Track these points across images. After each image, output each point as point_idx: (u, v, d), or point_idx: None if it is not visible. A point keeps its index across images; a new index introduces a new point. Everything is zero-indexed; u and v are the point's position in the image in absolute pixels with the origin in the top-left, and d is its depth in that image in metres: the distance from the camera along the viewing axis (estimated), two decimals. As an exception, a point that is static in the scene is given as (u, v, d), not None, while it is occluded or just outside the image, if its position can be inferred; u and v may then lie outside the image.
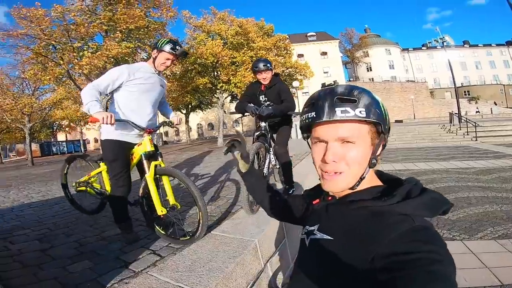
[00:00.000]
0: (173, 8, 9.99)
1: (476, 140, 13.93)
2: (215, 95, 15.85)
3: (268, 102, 2.85)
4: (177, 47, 2.07)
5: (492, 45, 52.20)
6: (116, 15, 8.00)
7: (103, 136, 2.09)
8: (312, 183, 3.32)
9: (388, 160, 9.75)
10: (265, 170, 2.69)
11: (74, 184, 2.81)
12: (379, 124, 0.62)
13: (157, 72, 2.17)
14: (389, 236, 0.53)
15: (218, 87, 14.73)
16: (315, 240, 0.69)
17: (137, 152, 2.11)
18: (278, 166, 3.04)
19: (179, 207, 2.06)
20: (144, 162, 2.00)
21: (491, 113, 33.70)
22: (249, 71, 13.76)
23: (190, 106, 19.01)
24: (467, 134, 14.71)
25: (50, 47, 8.17)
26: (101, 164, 2.56)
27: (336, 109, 0.60)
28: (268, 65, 2.73)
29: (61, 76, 8.78)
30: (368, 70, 49.18)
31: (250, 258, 1.69)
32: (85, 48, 8.00)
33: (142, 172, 2.13)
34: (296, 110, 2.77)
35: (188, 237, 1.93)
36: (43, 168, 11.60)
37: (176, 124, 2.41)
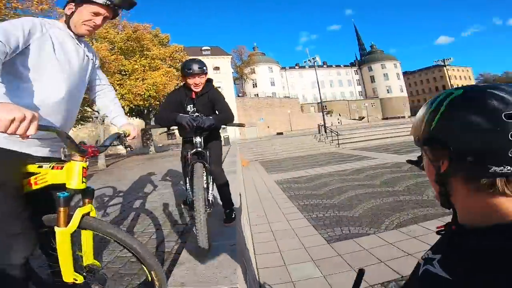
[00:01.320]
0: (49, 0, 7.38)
1: (339, 146, 17.63)
2: (93, 108, 13.12)
3: (197, 114, 2.34)
4: None
5: (341, 66, 69.68)
6: None
7: None
8: (237, 202, 3.04)
9: (281, 169, 10.83)
10: (210, 197, 2.20)
11: None
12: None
13: (76, 37, 1.32)
14: None
15: (98, 99, 12.29)
16: (429, 273, 0.55)
17: (46, 179, 1.18)
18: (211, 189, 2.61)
19: (99, 265, 1.36)
20: (61, 208, 1.12)
21: (341, 124, 43.97)
22: (140, 81, 12.25)
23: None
24: (332, 142, 18.40)
25: None
26: None
27: None
28: (205, 68, 2.28)
29: None
30: (254, 86, 54.92)
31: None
32: None
33: (41, 209, 1.22)
34: None
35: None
36: None
37: (131, 139, 1.50)
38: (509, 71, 67.07)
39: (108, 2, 1.22)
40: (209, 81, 2.44)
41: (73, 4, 1.22)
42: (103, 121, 13.21)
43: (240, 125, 2.52)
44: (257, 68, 54.95)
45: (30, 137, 0.87)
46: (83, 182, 1.17)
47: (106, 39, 12.07)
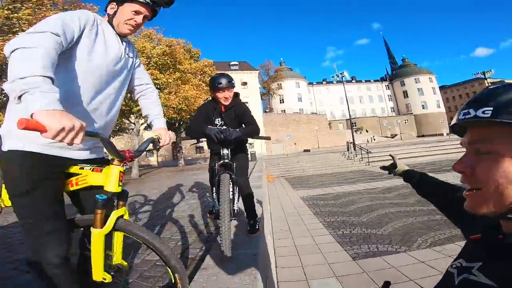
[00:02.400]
0: (99, 13, 8.29)
1: (369, 164, 16.91)
2: (129, 119, 14.05)
3: (224, 127, 2.44)
4: None
5: (371, 81, 65.31)
6: (18, 14, 6.16)
7: (7, 145, 1.10)
8: (275, 215, 3.07)
9: (308, 186, 10.62)
10: (236, 207, 2.24)
11: None
12: None
13: (119, 36, 1.35)
14: None
15: (134, 111, 12.91)
16: (469, 282, 0.53)
17: (86, 180, 1.24)
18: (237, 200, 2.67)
19: (126, 265, 1.37)
20: (98, 210, 1.17)
21: (372, 141, 42.25)
22: (173, 94, 13.00)
23: (95, 132, 16.44)
24: (362, 160, 17.71)
25: None
26: None
27: (461, 111, 0.50)
28: (233, 82, 2.39)
29: None
30: (280, 102, 54.02)
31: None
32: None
33: (79, 207, 1.33)
34: None
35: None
36: None
37: (161, 146, 1.48)
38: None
39: (148, 0, 1.26)
40: (236, 95, 2.56)
41: (115, 3, 1.27)
42: (139, 132, 14.12)
43: (266, 138, 2.58)
44: (284, 84, 54.16)
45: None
46: (119, 185, 1.20)
47: (144, 54, 13.01)
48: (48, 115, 0.80)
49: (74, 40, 1.09)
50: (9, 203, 1.34)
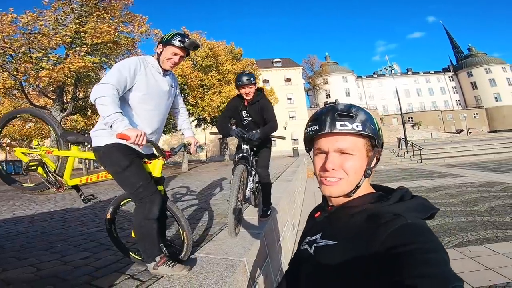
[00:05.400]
0: (146, 24, 9.32)
1: (421, 162, 15.56)
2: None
3: (249, 118, 2.80)
4: (186, 39, 1.71)
5: (431, 72, 57.54)
6: (84, 28, 7.40)
7: (102, 141, 1.60)
8: (285, 206, 3.27)
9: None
10: (247, 193, 2.62)
11: (20, 150, 2.22)
12: (374, 138, 0.70)
13: (163, 71, 1.79)
14: (386, 233, 0.58)
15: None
16: (320, 248, 0.73)
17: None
18: (255, 188, 2.99)
19: None
20: None
21: (431, 137, 38.01)
22: (217, 94, 13.80)
23: (152, 130, 18.41)
24: (413, 157, 16.35)
25: (7, 56, 7.25)
26: (73, 148, 2.05)
27: (336, 123, 0.67)
28: (252, 79, 2.65)
29: (12, 88, 7.72)
30: (327, 97, 51.15)
31: (242, 278, 1.64)
32: (44, 60, 7.16)
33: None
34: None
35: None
36: (-25, 191, 10.04)
37: (192, 148, 2.03)
38: None
39: (182, 45, 1.69)
40: (260, 90, 2.84)
41: (161, 45, 1.71)
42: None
43: (281, 137, 2.93)
44: (330, 78, 51.19)
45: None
46: (161, 173, 1.77)
47: (189, 57, 13.99)
48: (128, 131, 1.38)
49: (128, 85, 1.61)
50: (72, 183, 1.99)
